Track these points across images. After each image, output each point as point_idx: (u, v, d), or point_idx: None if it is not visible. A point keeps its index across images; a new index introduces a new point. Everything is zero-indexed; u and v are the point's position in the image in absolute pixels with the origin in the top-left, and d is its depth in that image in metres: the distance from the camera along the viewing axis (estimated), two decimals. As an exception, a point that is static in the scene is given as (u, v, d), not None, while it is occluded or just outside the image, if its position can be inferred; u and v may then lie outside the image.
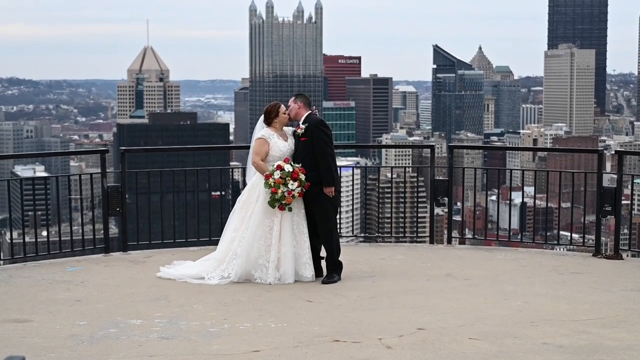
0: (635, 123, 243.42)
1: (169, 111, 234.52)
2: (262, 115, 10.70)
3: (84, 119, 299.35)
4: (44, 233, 18.24)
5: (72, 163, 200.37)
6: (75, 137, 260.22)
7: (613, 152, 14.21)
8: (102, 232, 13.04)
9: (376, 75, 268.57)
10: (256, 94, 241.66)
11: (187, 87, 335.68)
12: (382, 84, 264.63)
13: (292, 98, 10.74)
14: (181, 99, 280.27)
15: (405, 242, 14.52)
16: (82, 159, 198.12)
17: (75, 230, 15.45)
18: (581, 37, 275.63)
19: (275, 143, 10.47)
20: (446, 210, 13.42)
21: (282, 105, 10.67)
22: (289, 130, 10.69)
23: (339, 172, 10.95)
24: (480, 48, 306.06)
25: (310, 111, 10.66)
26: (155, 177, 13.27)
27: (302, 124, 10.51)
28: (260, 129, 10.60)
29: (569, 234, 14.43)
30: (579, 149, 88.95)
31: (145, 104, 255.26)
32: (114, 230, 43.84)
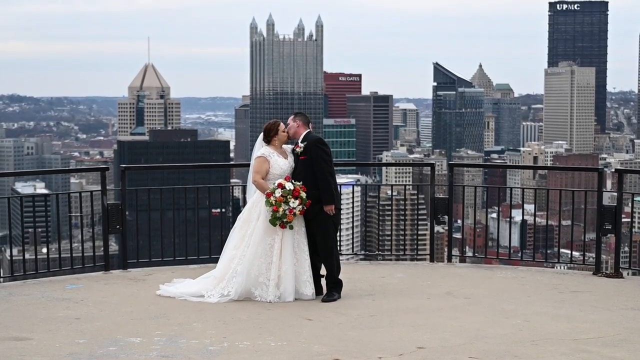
0: (635, 141, 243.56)
1: (169, 128, 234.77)
2: (262, 134, 10.72)
3: (84, 136, 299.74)
4: (44, 250, 18.22)
5: (72, 180, 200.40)
6: (76, 154, 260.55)
7: (613, 170, 14.21)
8: (102, 249, 13.03)
9: (377, 92, 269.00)
10: (257, 111, 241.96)
11: (188, 104, 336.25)
12: (383, 102, 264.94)
13: (292, 116, 10.76)
14: (182, 116, 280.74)
15: (406, 260, 14.49)
16: (82, 176, 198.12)
17: (75, 247, 15.44)
18: (581, 55, 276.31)
19: (275, 161, 10.48)
20: (446, 228, 13.41)
21: (282, 124, 10.68)
22: (288, 148, 10.71)
23: (339, 189, 10.96)
24: (480, 66, 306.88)
25: (309, 129, 10.68)
26: (156, 194, 13.28)
27: (301, 142, 10.53)
28: (260, 147, 10.62)
29: (569, 251, 14.42)
30: (579, 168, 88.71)
31: (146, 121, 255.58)
32: (114, 247, 43.80)
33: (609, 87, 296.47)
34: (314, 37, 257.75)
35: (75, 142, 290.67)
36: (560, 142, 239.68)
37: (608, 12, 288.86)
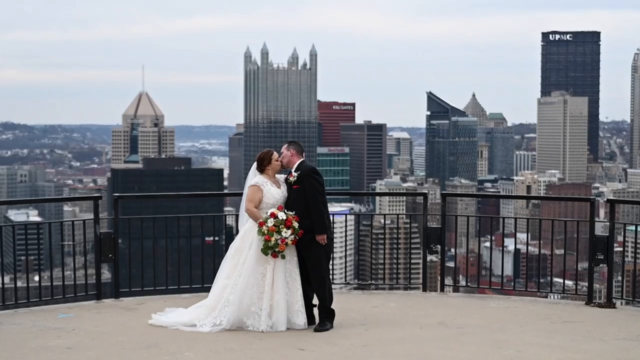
0: (628, 170, 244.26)
1: (163, 156, 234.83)
2: (255, 162, 10.74)
3: (78, 164, 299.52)
4: (36, 278, 18.17)
5: (65, 208, 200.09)
6: (70, 181, 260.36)
7: (605, 200, 14.25)
8: (95, 278, 13.00)
9: (370, 121, 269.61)
10: (250, 139, 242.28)
11: (182, 132, 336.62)
12: (377, 130, 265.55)
13: (285, 145, 10.79)
14: (176, 144, 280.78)
15: (399, 289, 14.48)
16: (76, 204, 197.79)
17: (67, 275, 15.39)
18: (574, 85, 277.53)
19: (268, 190, 10.49)
20: (439, 257, 13.41)
21: (275, 153, 10.72)
22: (281, 177, 10.73)
23: (330, 218, 10.97)
24: (473, 95, 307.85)
25: (302, 158, 10.71)
26: (149, 222, 13.28)
27: (295, 171, 10.56)
28: (254, 176, 10.64)
29: (562, 280, 14.42)
30: (571, 198, 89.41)
31: (139, 149, 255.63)
32: (106, 275, 43.67)
33: (602, 117, 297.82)
34: (307, 66, 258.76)
35: (69, 170, 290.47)
36: (553, 171, 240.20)
37: (600, 42, 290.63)
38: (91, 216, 12.72)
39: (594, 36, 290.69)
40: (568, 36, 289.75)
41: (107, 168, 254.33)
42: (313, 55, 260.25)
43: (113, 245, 12.44)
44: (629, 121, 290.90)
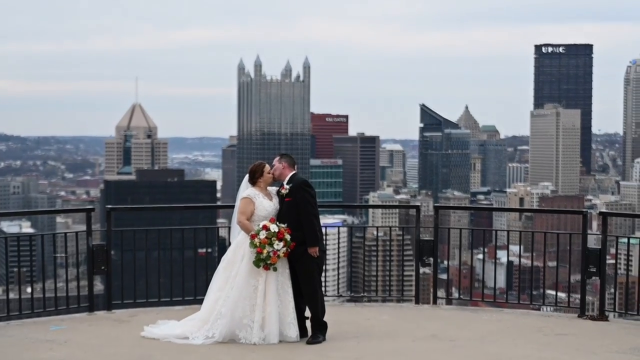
0: (621, 183, 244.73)
1: (156, 168, 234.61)
2: (247, 175, 10.75)
3: (71, 175, 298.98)
4: (29, 290, 18.11)
5: (58, 219, 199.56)
6: (63, 193, 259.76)
7: (598, 213, 14.28)
8: (87, 290, 12.97)
9: (363, 133, 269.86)
10: (244, 151, 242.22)
11: (175, 144, 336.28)
12: (370, 143, 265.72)
13: (277, 158, 10.81)
14: (169, 156, 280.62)
15: (391, 301, 14.48)
16: (69, 215, 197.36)
17: (60, 287, 15.36)
18: (567, 97, 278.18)
19: (260, 203, 10.50)
20: (432, 269, 13.42)
21: (267, 165, 10.73)
22: (273, 189, 10.74)
23: (323, 231, 10.97)
24: (466, 107, 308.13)
25: (294, 171, 10.73)
26: (141, 234, 13.27)
27: (287, 184, 10.57)
28: (246, 189, 10.65)
29: (554, 293, 14.45)
30: (563, 210, 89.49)
31: (132, 160, 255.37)
32: (99, 287, 43.56)
33: (594, 129, 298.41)
34: (301, 78, 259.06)
35: (62, 182, 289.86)
36: (546, 183, 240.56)
37: (593, 55, 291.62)
38: (84, 228, 12.73)
39: (587, 49, 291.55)
40: (561, 49, 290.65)
41: (100, 180, 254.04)
42: (306, 68, 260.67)
43: (105, 258, 12.44)
44: (621, 134, 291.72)
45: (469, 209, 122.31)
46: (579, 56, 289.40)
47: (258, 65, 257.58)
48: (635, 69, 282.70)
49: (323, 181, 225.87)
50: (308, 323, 10.61)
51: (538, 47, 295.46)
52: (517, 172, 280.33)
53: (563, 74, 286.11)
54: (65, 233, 14.63)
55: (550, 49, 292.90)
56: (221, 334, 10.23)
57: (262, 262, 10.16)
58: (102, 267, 12.43)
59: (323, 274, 10.92)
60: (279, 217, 10.47)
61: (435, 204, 15.82)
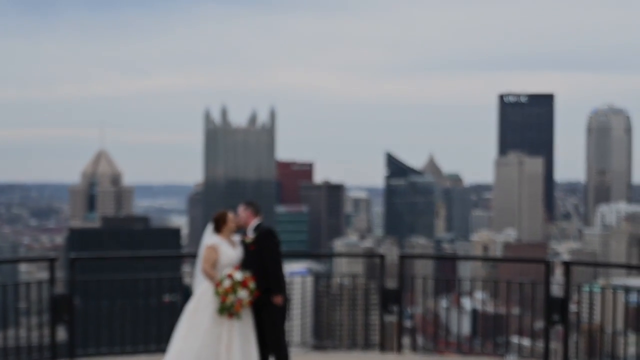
0: (585, 231, 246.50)
1: (121, 215, 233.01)
2: (211, 223, 10.76)
3: (35, 223, 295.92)
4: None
5: (22, 267, 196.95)
6: (26, 240, 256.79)
7: (562, 262, 14.42)
8: (50, 339, 12.84)
9: (328, 182, 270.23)
10: (210, 197, 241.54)
11: (141, 190, 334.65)
12: (335, 190, 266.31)
13: (243, 207, 10.83)
14: (134, 202, 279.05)
15: (357, 349, 14.45)
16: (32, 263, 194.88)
17: (22, 337, 15.18)
18: (530, 145, 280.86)
19: (224, 251, 10.50)
20: (397, 318, 13.42)
21: (230, 213, 10.75)
22: (236, 238, 10.75)
23: (286, 279, 10.98)
24: (431, 154, 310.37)
25: (259, 219, 10.76)
26: (106, 282, 13.20)
27: (252, 232, 10.60)
28: (209, 237, 10.65)
29: (520, 340, 14.50)
30: (526, 259, 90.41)
31: (98, 207, 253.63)
32: (63, 335, 42.98)
33: (557, 177, 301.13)
34: (267, 126, 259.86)
35: (26, 229, 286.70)
36: (509, 230, 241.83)
37: (554, 104, 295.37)
38: (48, 276, 12.63)
39: (548, 98, 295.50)
40: (523, 98, 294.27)
41: (64, 227, 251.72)
42: (272, 115, 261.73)
43: (68, 307, 12.35)
44: (583, 182, 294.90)
45: (435, 257, 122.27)
46: (541, 105, 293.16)
47: (224, 112, 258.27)
48: (596, 117, 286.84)
49: (288, 228, 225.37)
50: (272, 372, 10.57)
51: (501, 96, 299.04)
52: (481, 219, 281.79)
53: (526, 123, 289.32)
54: (28, 283, 14.52)
55: (513, 99, 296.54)
56: (185, 383, 10.15)
57: (226, 310, 10.14)
58: (65, 317, 12.33)
59: (287, 323, 10.91)
60: (244, 265, 10.48)
61: (401, 253, 15.88)
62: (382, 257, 13.98)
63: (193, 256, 11.51)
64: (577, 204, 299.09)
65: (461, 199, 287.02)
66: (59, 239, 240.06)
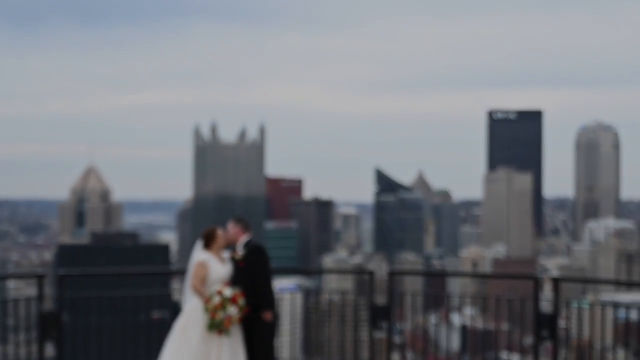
0: (574, 247, 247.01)
1: (110, 231, 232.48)
2: (200, 239, 10.76)
3: (24, 239, 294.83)
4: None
5: (11, 284, 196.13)
6: (15, 256, 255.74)
7: (551, 278, 14.45)
8: (38, 355, 12.80)
9: (317, 198, 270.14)
10: (199, 214, 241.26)
11: (130, 206, 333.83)
12: (324, 206, 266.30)
13: (232, 223, 10.84)
14: (124, 218, 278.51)
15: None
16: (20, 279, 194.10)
17: (10, 354, 15.14)
18: (518, 161, 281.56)
19: (213, 267, 10.50)
20: (387, 334, 13.42)
21: (220, 230, 10.75)
22: (226, 254, 10.75)
23: (276, 295, 10.98)
24: (420, 171, 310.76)
25: (249, 235, 10.77)
26: (95, 299, 13.17)
27: (242, 249, 10.61)
28: (199, 253, 10.65)
29: (509, 355, 14.52)
30: (515, 275, 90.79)
31: (87, 223, 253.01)
32: (52, 351, 42.81)
33: (545, 193, 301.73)
34: (256, 142, 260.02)
35: (15, 245, 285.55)
36: (498, 246, 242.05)
37: (543, 120, 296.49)
38: (36, 292, 12.59)
39: (537, 115, 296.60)
40: (512, 115, 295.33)
41: (53, 243, 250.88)
42: (261, 131, 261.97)
43: (57, 324, 12.30)
44: (571, 198, 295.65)
45: (424, 274, 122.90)
46: (530, 121, 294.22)
47: (214, 128, 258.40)
48: (584, 133, 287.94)
49: (277, 244, 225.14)
50: (262, 388, 10.55)
51: (490, 113, 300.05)
52: (470, 235, 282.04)
53: (515, 139, 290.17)
54: (16, 299, 14.48)
55: (501, 115, 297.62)
56: (174, 401, 10.12)
57: (216, 327, 10.13)
58: (53, 334, 12.29)
59: (277, 339, 10.91)
60: (233, 282, 10.48)
61: (390, 269, 15.92)
62: (371, 273, 13.99)
63: (182, 272, 11.49)
64: (566, 220, 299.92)
65: (450, 215, 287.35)
66: (48, 255, 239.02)
